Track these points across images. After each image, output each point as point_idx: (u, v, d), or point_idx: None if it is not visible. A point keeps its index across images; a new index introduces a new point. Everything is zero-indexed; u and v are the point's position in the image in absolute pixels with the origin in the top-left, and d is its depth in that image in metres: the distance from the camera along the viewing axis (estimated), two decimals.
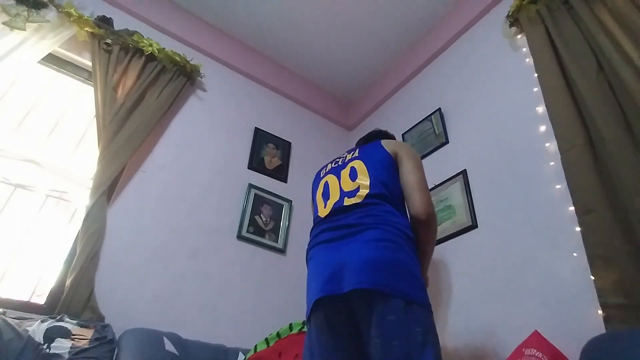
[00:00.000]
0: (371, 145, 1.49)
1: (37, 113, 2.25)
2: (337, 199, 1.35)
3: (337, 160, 1.54)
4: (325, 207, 1.38)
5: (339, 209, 1.31)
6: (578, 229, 1.54)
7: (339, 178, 1.42)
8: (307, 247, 1.39)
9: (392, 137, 1.73)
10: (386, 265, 1.12)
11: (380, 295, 1.07)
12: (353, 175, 1.38)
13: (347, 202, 1.30)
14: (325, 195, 1.41)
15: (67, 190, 2.15)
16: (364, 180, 1.33)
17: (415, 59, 3.05)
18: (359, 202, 1.28)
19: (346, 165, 1.44)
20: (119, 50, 2.44)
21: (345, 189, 1.35)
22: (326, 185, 1.45)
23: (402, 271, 1.13)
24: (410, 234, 1.24)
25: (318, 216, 1.40)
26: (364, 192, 1.30)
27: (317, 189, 1.50)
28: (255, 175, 2.78)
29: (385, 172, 1.35)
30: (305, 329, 1.69)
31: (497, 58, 2.36)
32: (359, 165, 1.39)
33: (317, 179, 1.56)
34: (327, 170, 1.53)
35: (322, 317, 1.18)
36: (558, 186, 1.72)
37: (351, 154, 1.50)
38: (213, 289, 2.26)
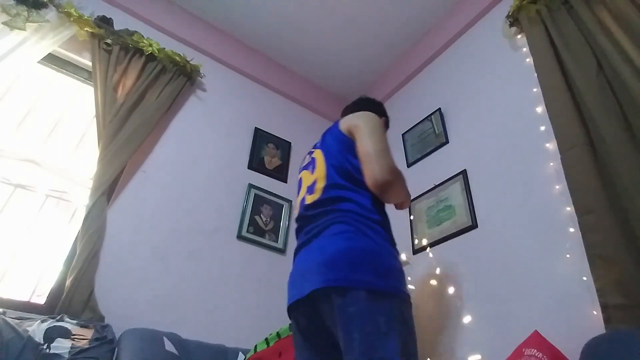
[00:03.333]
0: (331, 128, 1.40)
1: (37, 113, 2.25)
2: (303, 196, 1.32)
3: (312, 150, 1.46)
4: (297, 206, 1.37)
5: (304, 208, 1.28)
6: (578, 229, 1.54)
7: (308, 172, 1.38)
8: None
9: (374, 107, 1.61)
10: (344, 257, 1.06)
11: (338, 290, 1.02)
12: (312, 168, 1.33)
13: (308, 200, 1.26)
14: (298, 193, 1.39)
15: (67, 190, 2.15)
16: (320, 171, 1.28)
17: (415, 59, 3.05)
18: (317, 199, 1.23)
19: (312, 157, 1.39)
20: (119, 50, 2.44)
21: (308, 185, 1.31)
22: (300, 182, 1.42)
23: (363, 260, 1.05)
24: (374, 216, 1.16)
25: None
26: (320, 185, 1.24)
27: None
28: (255, 175, 2.78)
29: (341, 153, 1.27)
30: None
31: (497, 58, 2.36)
32: (318, 155, 1.35)
33: (299, 172, 1.52)
34: (303, 164, 1.48)
35: (294, 322, 1.18)
36: (558, 186, 1.72)
37: (319, 142, 1.44)
38: (213, 289, 2.26)
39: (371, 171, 1.17)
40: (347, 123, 1.33)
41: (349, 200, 1.18)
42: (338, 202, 1.18)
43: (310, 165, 1.38)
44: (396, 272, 1.08)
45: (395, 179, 1.20)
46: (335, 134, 1.33)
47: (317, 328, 1.12)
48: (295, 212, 1.36)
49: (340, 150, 1.28)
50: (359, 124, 1.29)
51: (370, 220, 1.14)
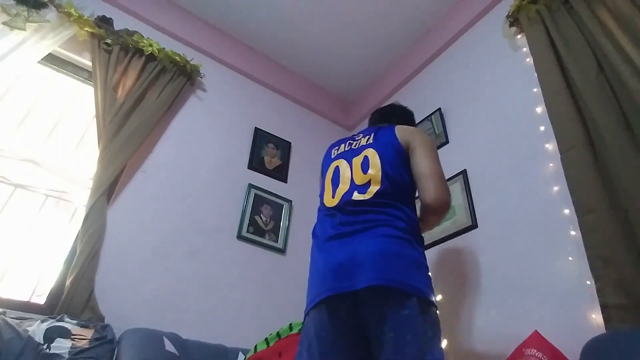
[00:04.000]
0: (385, 131, 1.43)
1: (37, 113, 2.25)
2: (347, 190, 1.31)
3: (351, 142, 1.49)
4: (333, 196, 1.34)
5: (348, 203, 1.28)
6: (578, 228, 1.54)
7: (350, 165, 1.38)
8: (313, 234, 1.35)
9: (409, 117, 1.71)
10: (400, 261, 1.12)
11: (395, 292, 1.07)
12: (365, 166, 1.34)
13: (357, 197, 1.27)
14: (335, 182, 1.38)
15: (67, 190, 2.15)
16: (375, 174, 1.30)
17: (415, 59, 3.05)
18: (368, 199, 1.25)
19: (360, 153, 1.39)
20: (119, 50, 2.44)
21: (357, 181, 1.32)
22: (336, 170, 1.41)
23: (415, 268, 1.13)
24: (416, 229, 1.24)
25: (324, 204, 1.37)
26: (374, 188, 1.26)
27: (327, 171, 1.46)
28: (255, 175, 2.78)
29: (397, 164, 1.32)
30: None
31: (497, 58, 2.36)
32: (371, 154, 1.35)
33: (328, 158, 1.52)
34: (339, 151, 1.49)
35: (326, 314, 1.14)
36: (558, 186, 1.72)
37: (366, 138, 1.44)
38: (213, 289, 2.26)
39: (433, 191, 1.27)
40: (404, 135, 1.38)
41: (398, 209, 1.23)
42: (387, 207, 1.23)
43: (353, 156, 1.40)
44: (432, 284, 1.18)
45: (449, 204, 1.31)
46: (393, 141, 1.37)
47: (351, 322, 1.13)
48: (332, 200, 1.33)
49: (396, 161, 1.33)
50: (418, 141, 1.36)
51: (414, 231, 1.22)
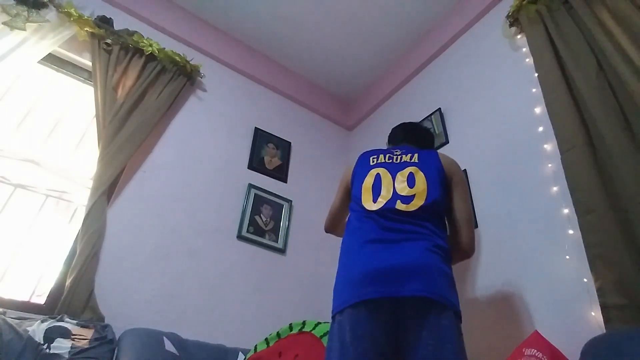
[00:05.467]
0: (429, 154, 1.53)
1: (37, 113, 2.25)
2: (389, 198, 1.37)
3: (391, 155, 1.54)
4: (375, 201, 1.39)
5: (390, 210, 1.34)
6: (577, 229, 1.54)
7: (393, 177, 1.44)
8: (350, 231, 1.39)
9: (433, 141, 1.82)
10: (440, 275, 1.20)
11: (436, 304, 1.15)
12: (411, 181, 1.41)
13: (400, 206, 1.34)
14: (376, 189, 1.42)
15: (67, 190, 2.15)
16: (421, 191, 1.38)
17: (415, 58, 3.05)
18: (411, 211, 1.32)
19: (404, 168, 1.46)
20: (119, 50, 2.44)
21: (400, 192, 1.38)
22: (377, 177, 1.46)
23: (452, 284, 1.24)
24: (449, 250, 1.34)
25: (363, 207, 1.40)
26: (418, 202, 1.34)
27: (364, 177, 1.49)
28: (255, 175, 2.78)
29: (440, 188, 1.41)
30: (305, 329, 1.68)
31: (497, 58, 2.36)
32: (417, 173, 1.43)
33: (365, 165, 1.55)
34: (378, 161, 1.53)
35: (366, 315, 1.16)
36: (557, 186, 1.72)
37: (408, 156, 1.51)
38: (213, 289, 2.26)
39: (471, 239, 1.43)
40: (448, 166, 1.49)
41: (436, 226, 1.33)
42: (428, 223, 1.32)
43: (396, 170, 1.46)
44: None
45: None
46: (438, 166, 1.47)
47: (388, 326, 1.16)
48: (373, 205, 1.38)
49: (439, 184, 1.42)
50: (460, 179, 1.49)
51: (447, 249, 1.32)
